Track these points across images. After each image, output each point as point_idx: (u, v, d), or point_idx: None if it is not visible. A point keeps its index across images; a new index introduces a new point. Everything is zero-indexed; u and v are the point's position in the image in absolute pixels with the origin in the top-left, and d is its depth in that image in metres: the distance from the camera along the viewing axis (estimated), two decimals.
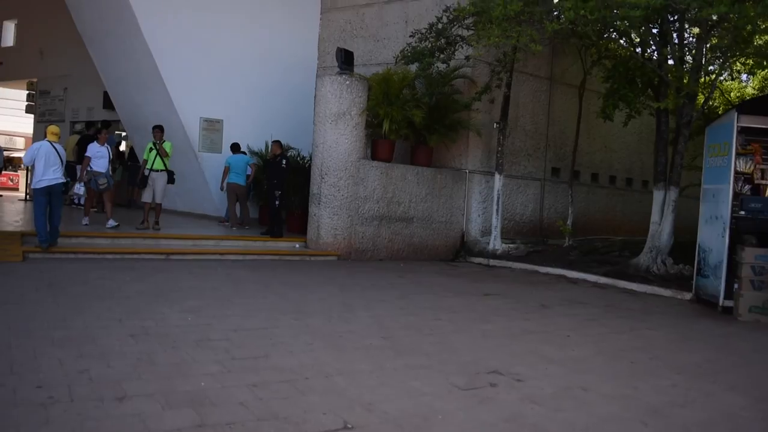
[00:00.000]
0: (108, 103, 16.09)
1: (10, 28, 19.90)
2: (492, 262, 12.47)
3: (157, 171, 10.84)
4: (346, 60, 11.77)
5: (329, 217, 11.33)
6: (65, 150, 9.99)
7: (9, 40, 19.82)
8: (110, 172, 10.69)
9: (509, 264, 12.25)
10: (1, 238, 8.96)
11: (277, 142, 11.86)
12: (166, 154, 10.90)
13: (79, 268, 8.12)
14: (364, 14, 14.70)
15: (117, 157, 14.78)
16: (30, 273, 7.44)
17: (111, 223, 10.29)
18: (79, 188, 11.37)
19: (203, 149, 13.47)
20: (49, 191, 8.76)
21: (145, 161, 10.96)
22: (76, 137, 14.93)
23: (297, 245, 11.64)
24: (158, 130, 11.10)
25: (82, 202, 15.02)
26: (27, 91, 18.75)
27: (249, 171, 12.66)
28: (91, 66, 15.82)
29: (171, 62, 13.06)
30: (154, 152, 10.86)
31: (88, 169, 10.46)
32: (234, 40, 13.82)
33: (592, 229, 15.51)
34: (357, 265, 10.81)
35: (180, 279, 7.94)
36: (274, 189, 11.48)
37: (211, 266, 9.22)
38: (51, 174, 8.85)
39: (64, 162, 9.24)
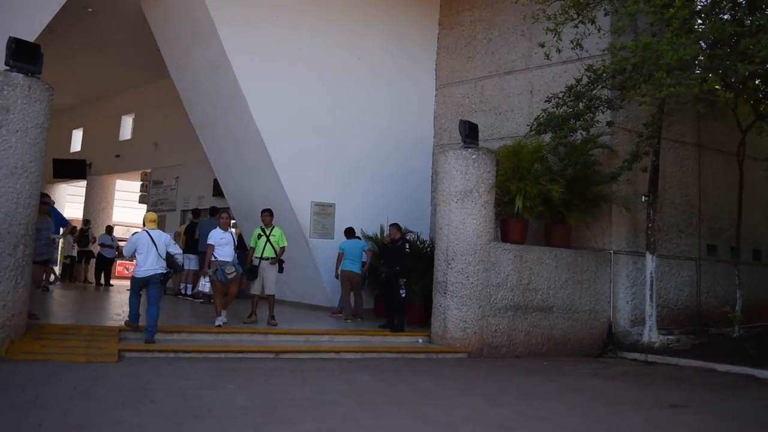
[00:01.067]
0: (218, 191, 15.63)
1: (128, 122, 20.38)
2: (650, 357, 10.50)
3: (267, 259, 9.83)
4: (470, 133, 10.58)
5: (457, 308, 9.85)
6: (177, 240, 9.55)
7: (127, 134, 20.26)
8: (237, 260, 9.65)
9: (673, 360, 10.25)
10: (98, 334, 8.06)
11: (395, 226, 10.67)
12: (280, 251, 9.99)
13: (178, 371, 7.01)
14: (483, 87, 13.63)
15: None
16: (121, 379, 6.37)
17: (220, 320, 9.22)
18: (204, 284, 10.04)
19: (314, 235, 12.49)
20: (147, 281, 8.36)
21: (253, 249, 10.01)
22: (184, 226, 14.45)
23: (420, 340, 10.18)
24: (267, 214, 10.17)
25: (188, 292, 14.33)
26: (141, 182, 18.85)
27: (364, 257, 11.48)
28: (202, 154, 15.51)
29: (281, 145, 12.37)
30: (263, 239, 9.90)
31: (213, 258, 9.37)
32: (345, 120, 13.05)
33: (759, 315, 13.13)
34: (493, 365, 9.21)
35: (292, 387, 6.64)
36: (397, 277, 10.18)
37: (327, 368, 7.90)
38: (149, 264, 8.37)
39: (164, 250, 8.53)
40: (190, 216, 15.54)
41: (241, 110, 12.32)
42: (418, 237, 12.02)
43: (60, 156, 21.83)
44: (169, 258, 8.50)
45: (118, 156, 19.98)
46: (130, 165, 19.57)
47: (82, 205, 21.56)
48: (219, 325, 9.09)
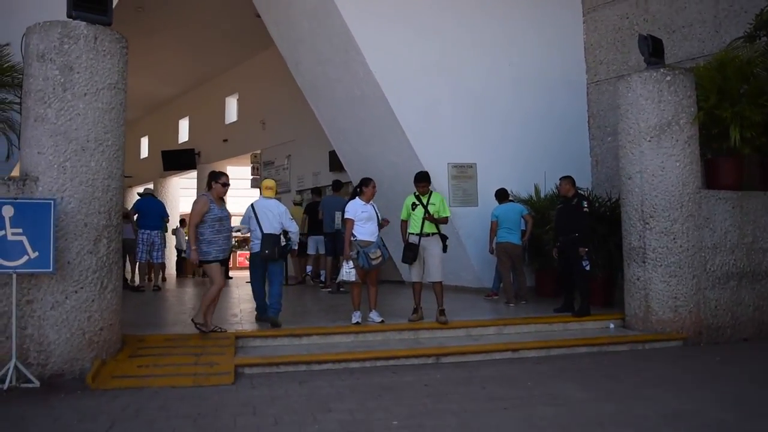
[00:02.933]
0: (335, 164, 13.80)
1: (232, 104, 19.03)
2: None
3: (428, 236, 7.48)
4: (654, 51, 8.03)
5: (663, 281, 7.40)
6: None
7: (232, 116, 18.93)
8: (382, 241, 7.53)
9: None
10: (209, 345, 6.29)
11: (568, 179, 8.28)
12: (442, 220, 7.57)
13: (314, 394, 5.10)
14: (648, 2, 10.84)
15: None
16: (238, 415, 4.49)
17: (358, 316, 7.30)
18: (349, 272, 7.17)
19: (455, 203, 10.30)
20: (262, 256, 7.33)
21: (406, 223, 7.66)
22: (300, 209, 12.66)
23: (612, 325, 7.83)
24: (423, 178, 7.56)
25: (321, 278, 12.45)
26: (251, 164, 17.42)
27: (523, 225, 9.18)
28: (314, 126, 13.75)
29: (407, 100, 10.27)
30: (419, 210, 7.43)
31: (353, 238, 7.23)
32: (478, 64, 10.73)
33: None
34: (726, 355, 6.74)
35: (481, 416, 4.51)
36: (576, 246, 7.82)
37: (511, 376, 5.75)
38: (259, 238, 7.40)
39: (285, 221, 7.49)
40: (309, 196, 13.87)
41: (356, 62, 10.31)
42: (590, 193, 9.53)
43: (168, 148, 20.95)
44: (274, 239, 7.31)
45: (225, 140, 18.67)
46: (239, 148, 18.19)
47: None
48: (357, 323, 7.14)
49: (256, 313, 7.74)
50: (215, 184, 6.91)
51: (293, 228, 7.61)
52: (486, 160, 10.70)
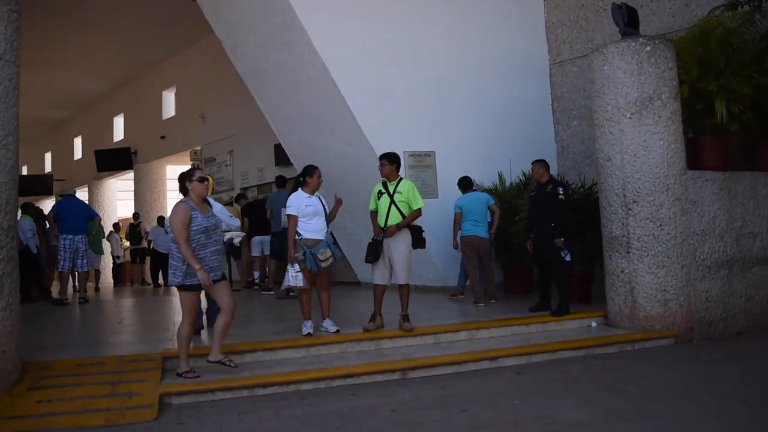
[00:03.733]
0: (281, 158, 12.75)
1: (170, 98, 17.74)
2: None
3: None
4: (630, 20, 7.29)
5: (650, 272, 6.65)
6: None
7: (170, 111, 17.64)
8: (332, 239, 6.48)
9: None
10: (130, 369, 5.20)
11: (541, 164, 7.44)
12: (412, 216, 6.54)
13: (253, 428, 4.08)
14: None
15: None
16: None
17: (309, 327, 6.30)
18: (296, 276, 6.14)
19: None
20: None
21: (374, 214, 6.60)
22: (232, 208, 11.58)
23: (594, 324, 7.04)
24: (387, 161, 6.54)
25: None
26: (191, 162, 16.18)
27: (489, 217, 8.33)
28: (257, 118, 12.70)
29: (357, 84, 9.31)
30: (385, 199, 6.46)
31: (298, 237, 6.23)
32: (433, 48, 9.85)
33: None
34: (727, 353, 6.02)
35: None
36: (552, 237, 6.99)
37: (493, 392, 4.86)
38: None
39: (225, 218, 6.48)
40: (256, 193, 12.82)
41: (300, 43, 9.30)
42: (562, 179, 8.73)
43: (103, 147, 19.50)
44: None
45: (163, 137, 17.39)
46: (178, 145, 16.93)
47: (133, 201, 19.11)
48: (308, 334, 6.14)
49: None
50: (191, 184, 5.30)
51: (235, 223, 6.97)
52: (445, 148, 9.83)
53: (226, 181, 15.05)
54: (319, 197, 6.40)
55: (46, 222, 10.61)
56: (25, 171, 26.19)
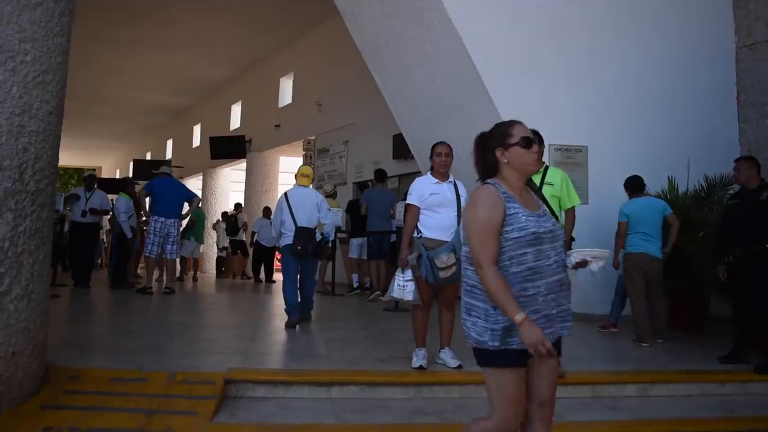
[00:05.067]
0: (400, 151, 11.35)
1: (287, 85, 16.82)
2: None
3: None
4: None
5: None
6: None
7: (287, 98, 16.72)
8: (461, 238, 4.68)
9: None
10: (177, 395, 3.83)
11: (750, 162, 5.46)
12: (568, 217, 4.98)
13: None
14: None
15: None
16: None
17: (421, 357, 4.65)
18: (403, 286, 4.64)
19: None
20: (293, 252, 6.61)
21: None
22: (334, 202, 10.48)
23: None
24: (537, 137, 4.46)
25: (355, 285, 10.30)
26: (303, 152, 15.08)
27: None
28: (376, 108, 11.47)
29: (496, 63, 7.77)
30: None
31: (417, 235, 4.63)
32: (588, 19, 8.08)
33: None
34: None
35: None
36: (766, 261, 5.02)
37: None
38: (292, 230, 6.64)
39: (323, 212, 6.81)
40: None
41: (431, 11, 7.83)
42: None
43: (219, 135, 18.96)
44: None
45: (278, 126, 16.46)
46: (292, 134, 15.93)
47: (243, 191, 18.39)
48: (420, 367, 4.55)
49: (287, 320, 6.52)
50: (507, 151, 3.79)
51: (329, 219, 6.95)
52: (600, 143, 7.99)
53: (339, 174, 13.81)
54: (454, 184, 4.80)
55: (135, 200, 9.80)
56: (149, 156, 26.54)
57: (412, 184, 4.83)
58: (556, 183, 4.77)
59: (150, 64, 17.67)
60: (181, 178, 21.93)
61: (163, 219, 8.87)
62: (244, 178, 18.56)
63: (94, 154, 31.24)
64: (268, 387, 4.13)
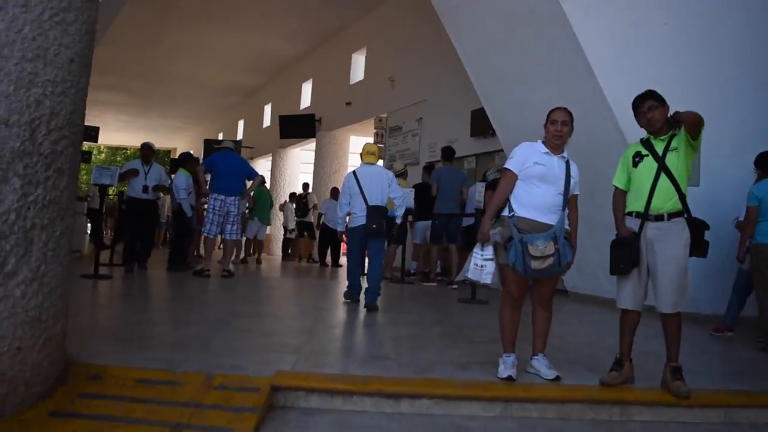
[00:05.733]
0: (479, 127, 10.46)
1: (359, 61, 16.09)
2: None
3: (663, 218, 3.78)
4: None
5: None
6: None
7: (358, 74, 16.00)
8: (567, 233, 3.83)
9: None
10: (218, 397, 3.15)
11: None
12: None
13: None
14: None
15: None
16: None
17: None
18: (481, 266, 3.85)
19: None
20: (365, 232, 6.39)
21: (621, 195, 3.98)
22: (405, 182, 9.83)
23: None
24: (654, 101, 3.84)
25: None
26: (375, 130, 14.33)
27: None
28: (452, 81, 10.68)
29: (596, 25, 6.78)
30: (649, 166, 3.80)
31: (508, 214, 3.78)
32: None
33: None
34: None
35: None
36: None
37: None
38: (362, 209, 6.42)
39: (394, 189, 6.59)
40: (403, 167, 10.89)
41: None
42: None
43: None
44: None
45: (348, 104, 15.78)
46: (363, 112, 15.21)
47: (312, 171, 17.84)
48: (509, 377, 3.71)
49: (345, 291, 6.72)
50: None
51: (399, 193, 6.65)
52: (713, 117, 6.86)
53: (411, 153, 13.01)
54: (566, 161, 3.92)
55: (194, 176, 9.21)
56: (221, 137, 26.43)
57: (515, 148, 3.96)
58: (679, 147, 3.80)
59: (223, 42, 17.31)
60: (251, 158, 21.65)
61: (222, 197, 8.31)
62: (313, 158, 18.03)
63: (168, 134, 31.50)
64: (323, 397, 3.40)
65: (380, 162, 13.99)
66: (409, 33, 13.22)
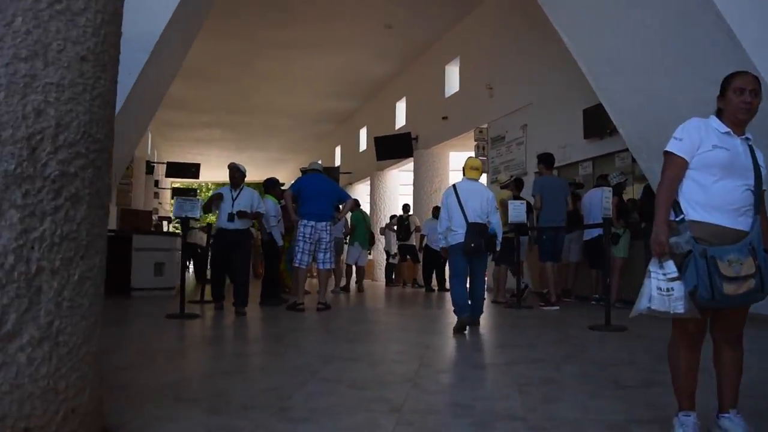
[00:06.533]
0: (594, 128, 9.31)
1: (453, 72, 15.20)
2: None
3: None
4: None
5: None
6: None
7: (454, 86, 15.11)
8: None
9: None
10: None
11: None
12: None
13: None
14: None
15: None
16: None
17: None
18: (667, 291, 2.67)
19: None
20: (465, 250, 6.18)
21: None
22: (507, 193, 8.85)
23: None
24: None
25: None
26: (475, 142, 13.33)
27: None
28: (559, 81, 9.61)
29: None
30: None
31: (678, 217, 2.69)
32: None
33: None
34: None
35: None
36: None
37: None
38: (462, 226, 6.19)
39: (491, 210, 6.32)
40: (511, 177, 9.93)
41: None
42: None
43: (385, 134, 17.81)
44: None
45: (445, 118, 14.90)
46: (461, 125, 14.28)
47: (412, 191, 17.04)
48: None
49: (455, 325, 6.10)
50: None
51: (495, 220, 6.44)
52: None
53: (517, 164, 11.92)
54: (750, 147, 2.86)
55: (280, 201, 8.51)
56: (320, 162, 26.20)
57: (681, 127, 2.88)
58: None
59: (312, 67, 16.99)
60: (350, 184, 21.18)
61: (313, 223, 7.62)
62: (412, 178, 17.25)
63: (269, 167, 31.77)
64: None
65: (484, 177, 13.00)
66: (505, 35, 12.26)
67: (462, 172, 6.78)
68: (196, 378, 4.13)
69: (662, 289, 2.71)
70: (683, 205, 2.76)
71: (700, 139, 2.76)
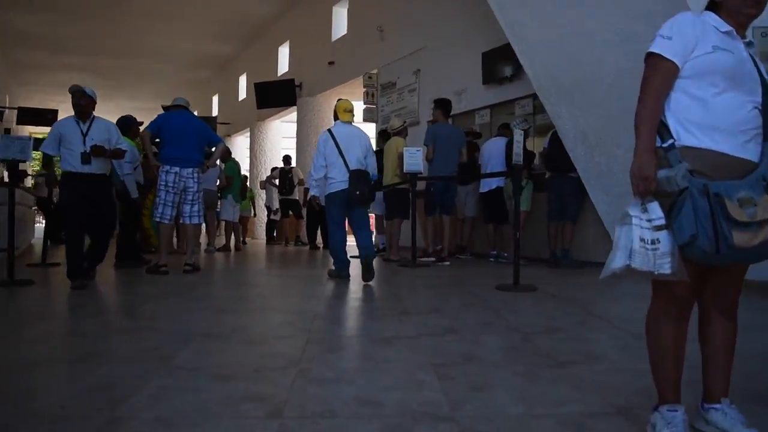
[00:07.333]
0: (492, 73, 8.65)
1: (341, 14, 14.10)
2: None
3: None
4: None
5: None
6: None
7: (341, 29, 14.03)
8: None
9: None
10: None
11: None
12: None
13: None
14: None
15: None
16: None
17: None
18: (652, 249, 1.90)
19: None
20: (345, 200, 5.92)
21: None
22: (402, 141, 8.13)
23: None
24: None
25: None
26: (364, 89, 12.43)
27: None
28: (458, 23, 8.81)
29: None
30: None
31: (667, 143, 1.94)
32: None
33: None
34: None
35: None
36: None
37: None
38: (340, 175, 5.94)
39: (369, 156, 6.12)
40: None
41: None
42: None
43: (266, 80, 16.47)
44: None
45: (331, 63, 13.87)
46: (349, 71, 13.29)
47: (295, 143, 15.92)
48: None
49: (330, 269, 6.32)
50: None
51: (372, 163, 6.20)
52: None
53: (409, 112, 11.14)
54: (753, 56, 2.09)
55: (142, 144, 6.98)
56: (196, 113, 24.34)
57: (670, 21, 2.07)
58: None
59: (189, 3, 15.26)
60: (228, 136, 19.67)
61: (177, 169, 6.44)
62: (294, 130, 16.13)
63: (140, 118, 29.42)
64: None
65: (372, 127, 12.14)
66: None
67: (334, 115, 6.38)
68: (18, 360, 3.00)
69: (646, 240, 1.95)
70: (673, 127, 2.00)
71: (696, 38, 1.99)
